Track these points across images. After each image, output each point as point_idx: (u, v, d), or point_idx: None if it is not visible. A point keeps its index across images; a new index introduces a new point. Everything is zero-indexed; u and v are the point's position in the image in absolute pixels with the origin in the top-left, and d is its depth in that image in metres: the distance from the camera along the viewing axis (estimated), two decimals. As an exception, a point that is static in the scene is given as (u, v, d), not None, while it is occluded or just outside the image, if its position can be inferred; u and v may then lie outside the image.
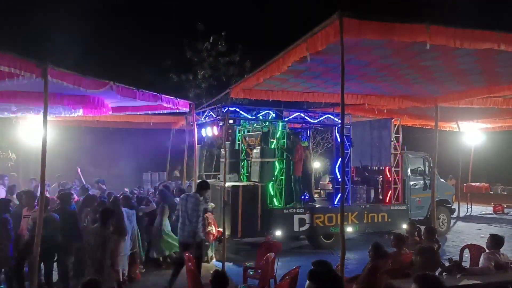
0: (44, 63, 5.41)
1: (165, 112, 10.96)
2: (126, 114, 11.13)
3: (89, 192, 8.97)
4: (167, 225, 8.57)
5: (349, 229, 10.50)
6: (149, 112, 11.08)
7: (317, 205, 10.97)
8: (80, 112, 9.20)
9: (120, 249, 7.18)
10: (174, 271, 6.91)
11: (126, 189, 10.45)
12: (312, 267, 2.97)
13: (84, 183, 10.74)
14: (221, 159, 11.80)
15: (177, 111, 10.37)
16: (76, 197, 8.59)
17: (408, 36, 4.91)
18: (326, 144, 20.53)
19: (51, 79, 5.54)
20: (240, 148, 12.12)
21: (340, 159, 10.75)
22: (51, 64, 5.49)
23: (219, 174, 12.36)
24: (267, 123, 11.10)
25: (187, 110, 10.27)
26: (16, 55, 5.28)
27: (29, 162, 15.41)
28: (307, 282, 2.53)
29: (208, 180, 8.59)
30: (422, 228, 7.16)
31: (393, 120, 11.68)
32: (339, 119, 10.89)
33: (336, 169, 11.17)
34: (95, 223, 7.12)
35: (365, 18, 4.61)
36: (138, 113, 11.04)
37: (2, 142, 15.81)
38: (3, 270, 6.63)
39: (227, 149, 10.66)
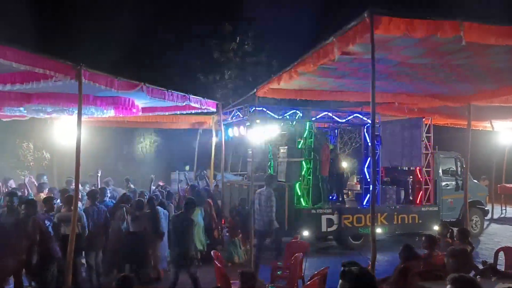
0: (79, 65, 5.55)
1: (192, 112, 11.09)
2: (155, 114, 11.33)
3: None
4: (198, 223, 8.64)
5: (378, 230, 10.33)
6: (177, 112, 11.23)
7: (346, 206, 10.85)
8: (111, 113, 9.41)
9: (158, 248, 7.48)
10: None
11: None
12: (342, 268, 2.93)
13: (99, 185, 10.75)
14: (248, 159, 11.85)
15: (205, 111, 10.48)
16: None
17: (440, 33, 4.78)
18: (353, 144, 20.24)
19: (85, 81, 5.69)
20: (267, 148, 12.12)
21: (369, 159, 10.61)
22: (85, 66, 5.62)
23: (246, 174, 12.40)
24: (294, 123, 11.07)
25: (214, 110, 10.36)
26: (52, 57, 5.44)
27: (63, 161, 15.93)
28: (340, 281, 2.51)
29: (234, 180, 8.80)
30: (455, 230, 6.98)
31: (424, 119, 11.43)
32: (368, 118, 10.75)
33: (365, 169, 11.02)
34: (135, 219, 7.36)
35: (396, 15, 4.53)
36: (166, 113, 11.22)
37: (37, 142, 16.45)
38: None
39: (254, 149, 10.72)
